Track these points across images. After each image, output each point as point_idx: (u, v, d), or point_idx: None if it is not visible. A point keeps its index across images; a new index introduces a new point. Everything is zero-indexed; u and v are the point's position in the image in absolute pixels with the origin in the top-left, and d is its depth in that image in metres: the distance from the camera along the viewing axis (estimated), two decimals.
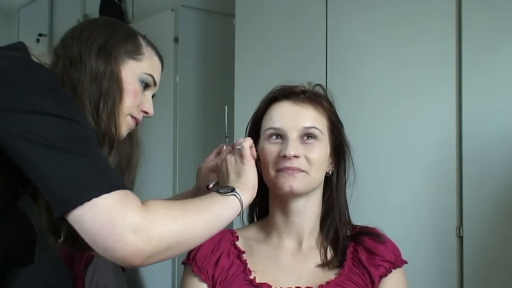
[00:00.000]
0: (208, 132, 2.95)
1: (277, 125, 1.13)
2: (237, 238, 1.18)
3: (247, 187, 1.04)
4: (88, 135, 0.90)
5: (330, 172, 1.17)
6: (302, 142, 1.12)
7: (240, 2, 2.52)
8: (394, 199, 1.87)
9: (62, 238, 1.05)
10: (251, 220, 1.24)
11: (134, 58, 1.07)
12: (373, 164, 1.88)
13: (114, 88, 1.03)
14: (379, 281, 1.13)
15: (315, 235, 1.18)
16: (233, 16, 2.55)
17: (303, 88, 1.17)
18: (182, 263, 1.18)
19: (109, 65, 1.03)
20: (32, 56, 1.02)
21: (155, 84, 1.12)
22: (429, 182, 1.78)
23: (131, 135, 1.13)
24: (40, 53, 1.05)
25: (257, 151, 1.16)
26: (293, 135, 1.11)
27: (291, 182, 1.09)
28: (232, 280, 1.11)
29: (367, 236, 1.17)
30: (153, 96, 1.14)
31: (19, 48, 1.02)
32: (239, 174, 1.06)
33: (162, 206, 0.89)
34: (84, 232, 0.85)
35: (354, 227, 1.21)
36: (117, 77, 1.04)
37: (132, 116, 1.08)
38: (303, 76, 1.24)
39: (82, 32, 1.07)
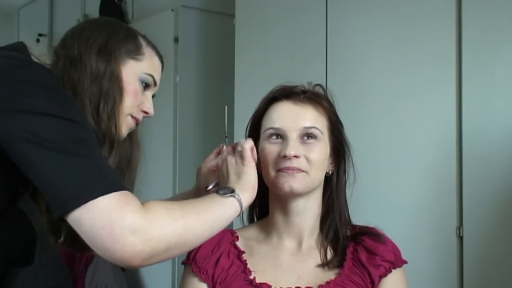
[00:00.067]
0: (208, 132, 2.95)
1: (277, 125, 1.13)
2: (237, 238, 1.18)
3: (247, 188, 1.04)
4: (88, 136, 0.90)
5: (330, 172, 1.17)
6: (302, 142, 1.12)
7: (240, 2, 2.52)
8: (394, 199, 1.87)
9: (62, 238, 1.05)
10: (251, 220, 1.24)
11: (134, 58, 1.07)
12: (373, 164, 1.88)
13: (115, 88, 1.03)
14: (379, 281, 1.13)
15: (315, 235, 1.18)
16: (233, 16, 2.55)
17: (303, 88, 1.17)
18: (182, 263, 1.18)
19: (109, 65, 1.03)
20: (32, 56, 1.02)
21: (155, 84, 1.12)
22: (429, 182, 1.78)
23: (131, 135, 1.13)
24: (40, 53, 1.05)
25: (257, 151, 1.16)
26: (293, 135, 1.11)
27: (291, 182, 1.09)
28: (232, 280, 1.11)
29: (367, 236, 1.18)
30: (153, 96, 1.14)
31: (19, 48, 1.02)
32: (239, 175, 1.06)
33: (162, 207, 0.89)
34: (83, 233, 0.85)
35: (354, 227, 1.21)
36: (118, 77, 1.04)
37: (132, 116, 1.08)
38: (303, 76, 1.24)
39: (82, 32, 1.07)
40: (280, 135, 1.13)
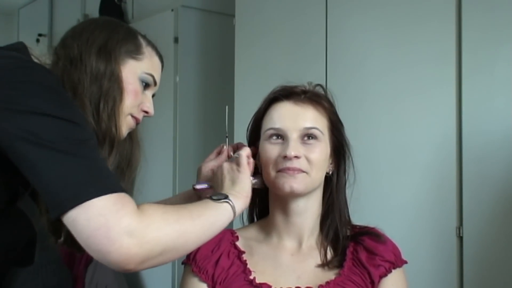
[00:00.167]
0: (208, 132, 2.95)
1: (277, 126, 1.13)
2: (237, 238, 1.18)
3: (241, 196, 1.03)
4: (86, 137, 0.90)
5: (330, 172, 1.17)
6: (303, 142, 1.12)
7: (240, 2, 2.52)
8: (394, 199, 1.87)
9: (62, 238, 1.05)
10: (251, 220, 1.24)
11: (134, 58, 1.07)
12: (373, 164, 1.88)
13: (115, 88, 1.03)
14: (379, 281, 1.13)
15: (315, 235, 1.18)
16: (233, 16, 2.55)
17: (303, 88, 1.17)
18: (182, 263, 1.18)
19: (109, 65, 1.03)
20: (32, 56, 1.02)
21: (155, 83, 1.12)
22: (429, 182, 1.78)
23: (132, 134, 1.13)
24: (40, 53, 1.05)
25: (257, 151, 1.16)
26: (293, 136, 1.11)
27: (292, 183, 1.09)
28: (232, 280, 1.11)
29: (367, 236, 1.17)
30: (153, 96, 1.14)
31: (19, 48, 1.02)
32: (234, 182, 1.06)
33: (158, 211, 0.89)
34: (78, 234, 0.84)
35: (354, 227, 1.21)
36: (118, 77, 1.04)
37: (132, 116, 1.08)
38: (303, 76, 1.24)
39: (82, 32, 1.07)
40: (281, 136, 1.13)
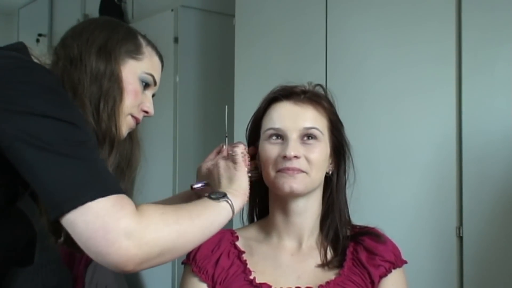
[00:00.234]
0: (208, 132, 2.95)
1: (277, 126, 1.13)
2: (237, 238, 1.17)
3: (238, 193, 1.03)
4: (86, 139, 0.90)
5: (330, 172, 1.17)
6: (302, 142, 1.12)
7: (240, 2, 2.52)
8: (394, 199, 1.87)
9: (62, 238, 1.05)
10: (251, 220, 1.24)
11: (134, 58, 1.07)
12: (373, 164, 1.88)
13: (115, 88, 1.03)
14: (379, 281, 1.13)
15: (315, 235, 1.18)
16: (233, 16, 2.55)
17: (303, 88, 1.17)
18: (182, 263, 1.17)
19: (109, 65, 1.03)
20: (32, 57, 1.02)
21: (155, 83, 1.12)
22: (429, 182, 1.78)
23: (132, 134, 1.13)
24: (40, 53, 1.05)
25: (257, 151, 1.16)
26: (293, 136, 1.11)
27: (291, 183, 1.09)
28: (232, 280, 1.11)
29: (367, 236, 1.17)
30: (153, 96, 1.14)
31: (19, 49, 1.02)
32: (231, 180, 1.05)
33: (156, 212, 0.89)
34: (77, 236, 0.84)
35: (354, 227, 1.21)
36: (118, 77, 1.04)
37: (132, 116, 1.08)
38: (303, 76, 1.24)
39: (82, 31, 1.07)
40: (280, 136, 1.12)
